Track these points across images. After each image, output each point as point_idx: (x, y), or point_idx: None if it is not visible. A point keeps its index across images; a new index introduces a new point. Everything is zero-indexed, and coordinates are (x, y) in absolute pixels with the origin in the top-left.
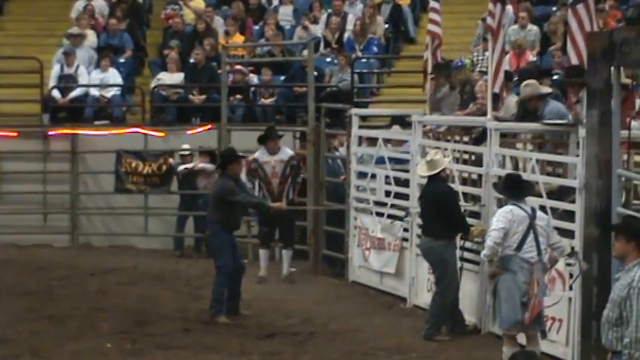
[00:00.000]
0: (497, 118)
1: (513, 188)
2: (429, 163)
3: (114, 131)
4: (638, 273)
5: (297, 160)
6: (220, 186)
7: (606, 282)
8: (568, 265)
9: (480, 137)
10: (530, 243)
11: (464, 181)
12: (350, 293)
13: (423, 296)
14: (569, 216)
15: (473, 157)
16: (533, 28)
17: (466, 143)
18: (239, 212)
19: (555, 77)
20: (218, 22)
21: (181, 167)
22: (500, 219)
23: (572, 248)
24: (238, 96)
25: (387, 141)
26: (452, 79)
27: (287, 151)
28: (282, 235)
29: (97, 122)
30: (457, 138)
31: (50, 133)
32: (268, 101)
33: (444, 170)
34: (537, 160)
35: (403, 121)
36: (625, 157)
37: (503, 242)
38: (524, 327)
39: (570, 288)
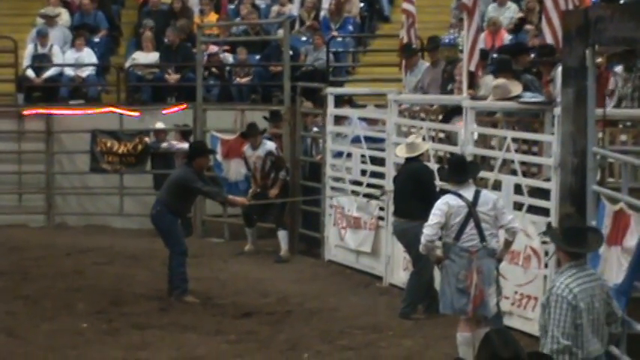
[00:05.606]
0: (472, 97)
1: (458, 170)
2: (409, 146)
3: (89, 111)
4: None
5: (276, 156)
6: (182, 173)
7: None
8: (543, 242)
9: (448, 115)
10: (470, 232)
11: (439, 160)
12: (326, 272)
13: (399, 275)
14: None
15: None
16: (512, 6)
17: (441, 122)
18: (190, 205)
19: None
20: (193, 1)
21: (164, 144)
22: (436, 212)
23: (549, 224)
24: (214, 70)
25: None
26: (435, 55)
27: (266, 147)
28: (273, 218)
29: (71, 102)
30: (432, 117)
31: (25, 112)
32: (244, 80)
33: (422, 155)
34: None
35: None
36: (600, 134)
37: (443, 231)
38: (467, 314)
39: (546, 266)
